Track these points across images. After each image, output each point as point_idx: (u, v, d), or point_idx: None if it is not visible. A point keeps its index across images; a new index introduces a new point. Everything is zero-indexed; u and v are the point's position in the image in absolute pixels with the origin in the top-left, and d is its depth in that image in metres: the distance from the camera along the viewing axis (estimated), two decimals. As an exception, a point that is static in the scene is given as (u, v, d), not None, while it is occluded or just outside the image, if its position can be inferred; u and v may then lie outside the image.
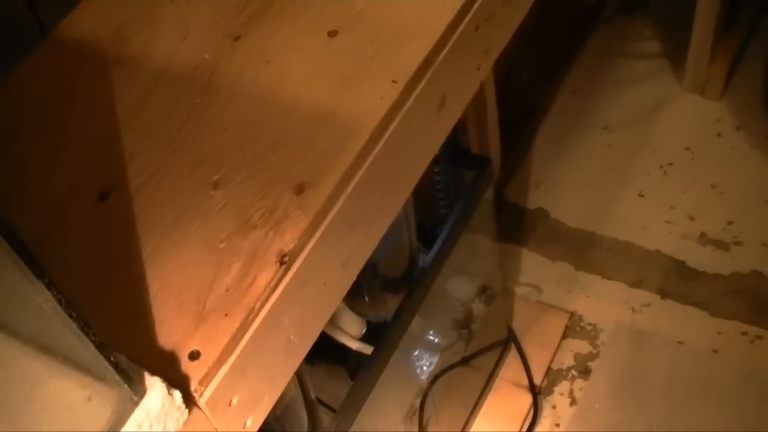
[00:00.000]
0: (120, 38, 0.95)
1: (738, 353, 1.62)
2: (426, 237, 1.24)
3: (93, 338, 0.55)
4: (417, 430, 1.44)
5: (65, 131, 0.89)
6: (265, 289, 0.71)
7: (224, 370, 0.69)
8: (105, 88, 0.91)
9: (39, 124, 0.90)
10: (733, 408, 1.56)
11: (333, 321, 1.13)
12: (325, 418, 1.09)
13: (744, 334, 1.64)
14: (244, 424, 0.74)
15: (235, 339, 0.70)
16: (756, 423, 1.53)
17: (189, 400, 0.67)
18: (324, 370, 1.17)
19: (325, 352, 1.14)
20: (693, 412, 1.57)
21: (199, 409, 0.68)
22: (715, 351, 1.63)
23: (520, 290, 1.78)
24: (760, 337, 1.63)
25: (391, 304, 1.17)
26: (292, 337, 0.76)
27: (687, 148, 1.91)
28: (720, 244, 1.76)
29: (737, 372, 1.60)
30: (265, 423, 0.96)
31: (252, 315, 0.70)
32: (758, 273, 1.71)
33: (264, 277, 0.72)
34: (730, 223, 1.78)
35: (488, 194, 1.36)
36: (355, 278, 0.84)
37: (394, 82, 0.82)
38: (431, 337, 1.47)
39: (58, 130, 0.89)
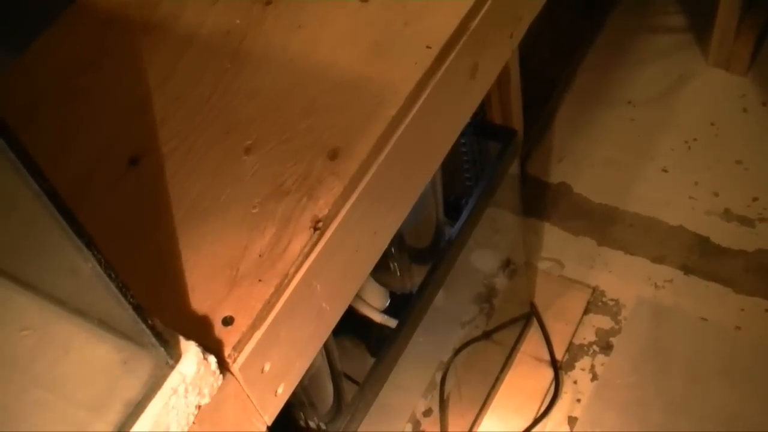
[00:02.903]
0: (148, 3, 0.94)
1: (761, 330, 1.61)
2: (451, 210, 1.23)
3: (131, 300, 0.55)
4: (438, 403, 1.43)
5: (94, 97, 0.88)
6: (299, 255, 0.70)
7: (258, 336, 0.68)
8: (134, 53, 0.91)
9: (68, 90, 0.89)
10: (755, 385, 1.55)
11: (357, 293, 1.12)
12: (349, 390, 1.08)
13: (768, 311, 1.63)
14: (276, 391, 0.74)
15: (269, 305, 0.69)
16: (779, 400, 1.52)
17: (222, 366, 0.66)
18: (344, 342, 1.17)
19: (347, 324, 1.14)
20: (714, 390, 1.55)
21: (232, 375, 0.68)
22: (738, 328, 1.62)
23: (542, 265, 1.76)
24: (784, 315, 1.62)
25: (416, 275, 1.16)
26: (324, 304, 0.75)
27: (712, 124, 1.89)
28: (744, 221, 1.74)
29: (760, 349, 1.59)
30: (292, 393, 0.96)
31: (286, 281, 0.70)
32: (783, 250, 1.69)
33: (298, 243, 0.71)
34: (755, 199, 1.76)
35: (514, 168, 1.34)
36: (386, 246, 0.83)
37: (429, 47, 0.81)
38: (453, 311, 1.47)
39: (88, 96, 0.88)
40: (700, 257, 1.72)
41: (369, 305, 1.16)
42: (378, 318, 1.16)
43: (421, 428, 1.44)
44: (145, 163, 0.80)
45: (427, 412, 1.45)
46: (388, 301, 1.19)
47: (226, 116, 0.82)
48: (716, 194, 1.79)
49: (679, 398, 1.55)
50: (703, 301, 1.66)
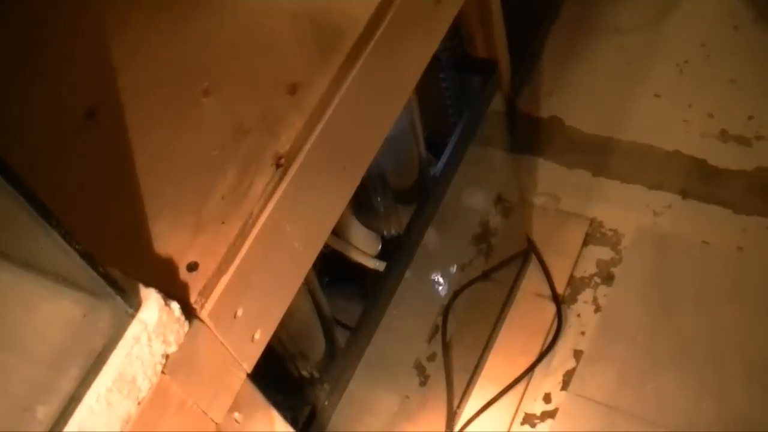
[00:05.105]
0: (99, -47, 0.91)
1: (764, 249, 1.59)
2: (436, 149, 1.20)
3: (77, 247, 0.53)
4: (441, 347, 1.42)
5: (48, 53, 0.86)
6: (262, 194, 0.68)
7: (225, 280, 0.66)
8: (86, 6, 0.88)
9: (21, 47, 0.87)
10: (761, 305, 1.53)
11: (347, 240, 1.10)
12: (343, 338, 1.07)
13: (769, 229, 1.60)
14: (252, 337, 0.72)
15: (235, 247, 0.67)
16: (786, 318, 1.50)
17: (190, 313, 0.64)
18: (341, 292, 1.15)
19: (341, 273, 1.12)
20: (722, 312, 1.53)
21: (202, 321, 0.65)
22: (740, 248, 1.60)
23: (538, 200, 1.74)
24: (786, 232, 1.59)
25: (405, 217, 1.14)
26: (296, 244, 0.73)
27: (703, 45, 1.85)
28: (741, 140, 1.71)
29: (764, 268, 1.56)
30: (280, 343, 0.94)
31: (250, 221, 0.67)
32: (782, 167, 1.66)
33: (260, 182, 0.69)
34: (750, 117, 1.73)
35: (498, 104, 1.31)
36: (358, 182, 0.81)
37: (386, -29, 0.78)
38: (450, 253, 1.45)
39: (41, 52, 0.86)
40: (698, 181, 1.69)
41: (360, 251, 1.14)
42: (369, 263, 1.14)
43: (426, 373, 1.43)
44: (102, 115, 0.78)
45: (431, 357, 1.44)
46: (380, 246, 1.17)
47: (183, 60, 0.80)
48: (711, 116, 1.75)
49: (686, 324, 1.53)
50: (703, 224, 1.64)
